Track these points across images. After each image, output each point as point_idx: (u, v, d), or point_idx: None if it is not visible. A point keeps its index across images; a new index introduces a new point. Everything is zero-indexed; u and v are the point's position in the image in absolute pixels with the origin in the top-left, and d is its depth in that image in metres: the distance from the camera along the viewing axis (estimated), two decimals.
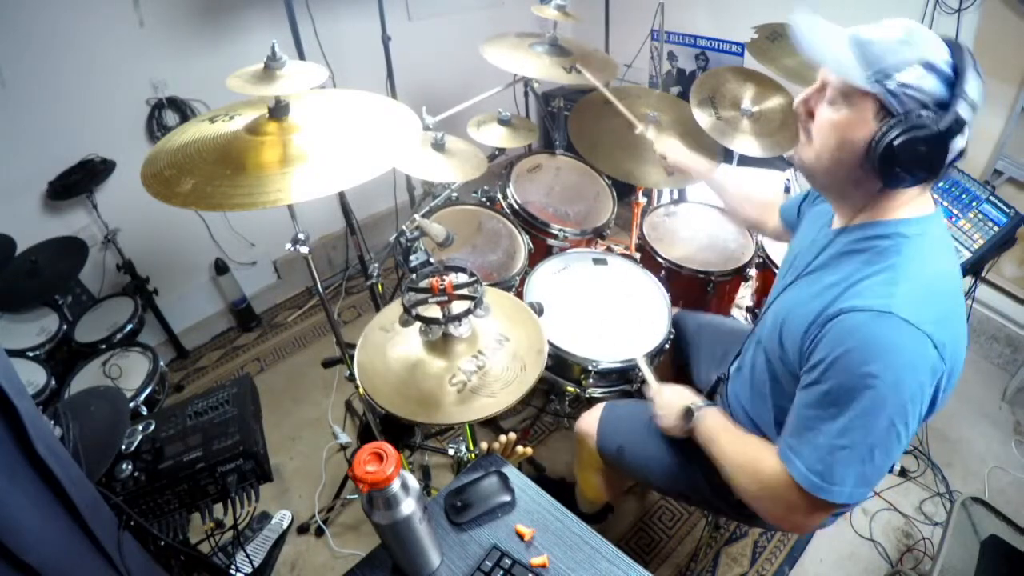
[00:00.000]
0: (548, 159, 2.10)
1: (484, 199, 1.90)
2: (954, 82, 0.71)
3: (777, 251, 1.73)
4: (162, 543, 0.95)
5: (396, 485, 0.71)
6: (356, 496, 1.78)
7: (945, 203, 1.60)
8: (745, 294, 2.12)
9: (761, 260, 1.79)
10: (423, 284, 1.01)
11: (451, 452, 1.38)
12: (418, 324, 1.02)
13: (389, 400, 0.97)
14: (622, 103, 1.72)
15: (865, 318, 0.74)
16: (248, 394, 1.09)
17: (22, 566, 0.59)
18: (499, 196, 1.89)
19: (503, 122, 1.84)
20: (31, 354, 1.65)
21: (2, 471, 0.58)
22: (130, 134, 1.98)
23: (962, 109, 0.70)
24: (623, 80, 2.96)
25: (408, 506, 0.73)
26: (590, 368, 1.40)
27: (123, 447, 0.96)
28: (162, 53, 1.95)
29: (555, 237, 1.83)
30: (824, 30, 0.79)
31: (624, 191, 2.10)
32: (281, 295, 2.71)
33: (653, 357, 1.42)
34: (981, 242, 1.53)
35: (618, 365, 1.39)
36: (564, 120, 2.19)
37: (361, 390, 1.07)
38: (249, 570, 1.52)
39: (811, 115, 0.83)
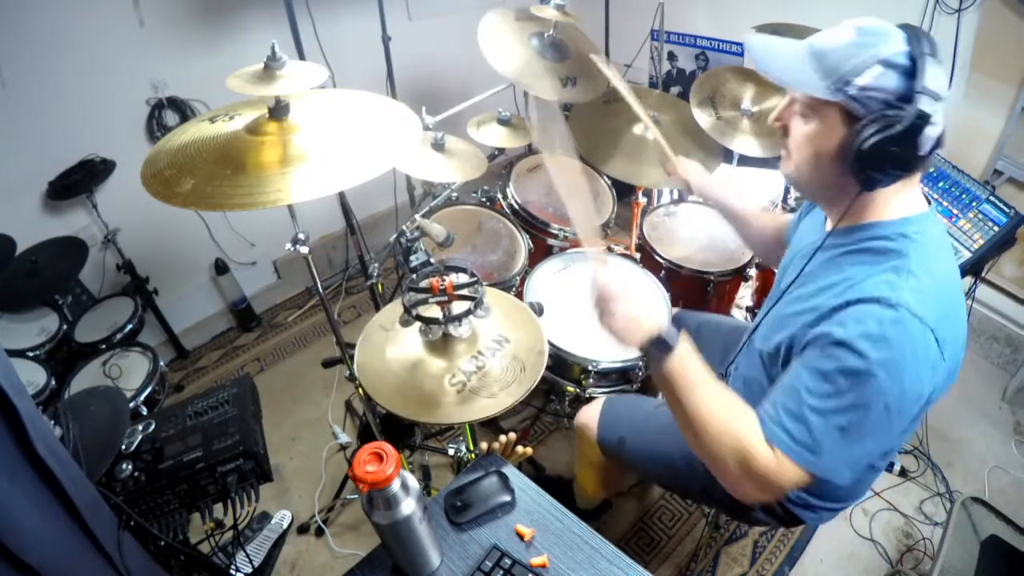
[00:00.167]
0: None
1: (484, 199, 1.90)
2: (914, 74, 0.70)
3: None
4: (162, 543, 0.96)
5: (396, 485, 0.71)
6: (356, 496, 1.78)
7: (945, 203, 1.60)
8: (745, 294, 2.12)
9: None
10: (423, 284, 1.01)
11: (451, 452, 1.37)
12: (418, 324, 1.02)
13: (389, 400, 0.98)
14: (622, 104, 1.70)
15: (874, 308, 0.73)
16: (248, 394, 1.09)
17: (22, 566, 0.59)
18: (499, 196, 1.89)
19: (503, 122, 1.84)
20: (31, 354, 1.65)
21: (2, 471, 0.58)
22: (130, 134, 1.98)
23: (923, 103, 0.69)
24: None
25: (408, 506, 0.73)
26: (590, 368, 1.40)
27: (123, 447, 0.96)
28: (162, 53, 1.95)
29: (555, 237, 1.83)
30: (780, 48, 0.80)
31: (624, 191, 2.09)
32: (281, 295, 2.71)
33: None
34: (981, 242, 1.53)
35: (618, 365, 1.39)
36: (564, 120, 2.18)
37: (361, 390, 1.07)
38: (249, 570, 1.52)
39: (786, 131, 0.84)
